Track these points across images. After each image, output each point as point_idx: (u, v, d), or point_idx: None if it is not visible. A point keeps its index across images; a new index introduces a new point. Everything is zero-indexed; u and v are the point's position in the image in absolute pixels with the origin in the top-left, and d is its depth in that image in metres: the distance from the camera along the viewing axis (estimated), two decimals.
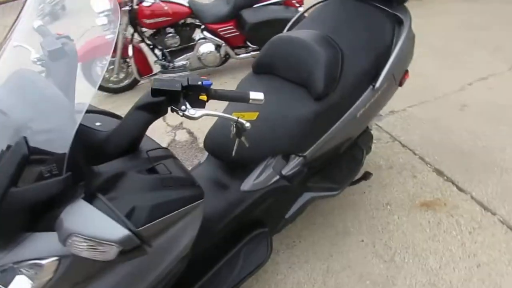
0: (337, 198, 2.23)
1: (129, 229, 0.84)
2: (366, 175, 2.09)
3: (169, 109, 1.14)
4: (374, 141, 2.60)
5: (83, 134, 1.10)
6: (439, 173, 2.32)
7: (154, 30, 3.92)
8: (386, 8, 1.89)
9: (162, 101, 1.12)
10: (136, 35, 3.92)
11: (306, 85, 1.69)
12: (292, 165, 1.71)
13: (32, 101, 1.05)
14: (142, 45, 4.06)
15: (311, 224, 2.14)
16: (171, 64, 4.02)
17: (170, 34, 3.92)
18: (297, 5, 3.95)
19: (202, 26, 3.97)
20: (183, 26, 3.96)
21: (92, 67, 3.97)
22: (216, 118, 1.67)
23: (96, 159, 1.09)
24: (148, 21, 3.77)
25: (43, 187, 0.90)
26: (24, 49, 1.27)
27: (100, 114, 1.33)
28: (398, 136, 2.70)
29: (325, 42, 1.73)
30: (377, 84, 1.76)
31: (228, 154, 1.59)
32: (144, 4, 3.68)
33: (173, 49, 4.01)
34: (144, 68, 4.08)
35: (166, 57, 4.03)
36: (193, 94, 1.12)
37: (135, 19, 3.75)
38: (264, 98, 1.20)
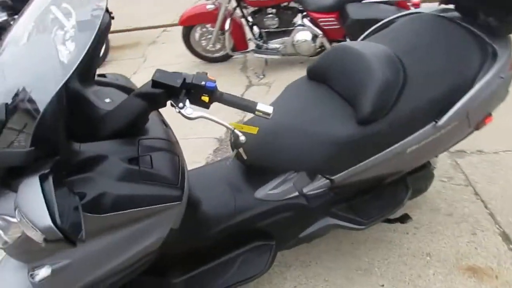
0: (374, 230, 2.00)
1: (54, 222, 0.80)
2: (404, 218, 1.81)
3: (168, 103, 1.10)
4: (444, 179, 2.29)
5: (85, 107, 1.10)
6: (506, 238, 1.93)
7: (256, 8, 3.88)
8: (483, 36, 1.56)
9: (161, 94, 1.07)
10: (237, 10, 3.92)
11: (353, 105, 1.49)
12: (316, 186, 1.55)
13: (31, 64, 1.05)
14: (243, 21, 4.06)
15: (336, 250, 1.94)
16: (265, 45, 3.96)
17: (270, 15, 3.84)
18: (412, 7, 3.56)
19: (304, 13, 3.81)
20: (285, 9, 3.85)
21: (192, 32, 4.10)
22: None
23: (91, 137, 1.08)
24: None
25: (4, 155, 0.91)
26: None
27: (121, 91, 1.31)
28: (475, 181, 2.30)
29: (388, 62, 1.49)
30: (441, 122, 1.47)
31: (247, 158, 1.50)
32: None
33: (271, 30, 3.93)
34: (239, 43, 4.10)
35: (262, 37, 3.98)
36: (195, 93, 1.09)
37: None
38: (272, 113, 1.10)
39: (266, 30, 3.93)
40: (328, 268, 1.85)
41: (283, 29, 3.90)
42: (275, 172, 1.52)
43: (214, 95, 1.09)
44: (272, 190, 1.52)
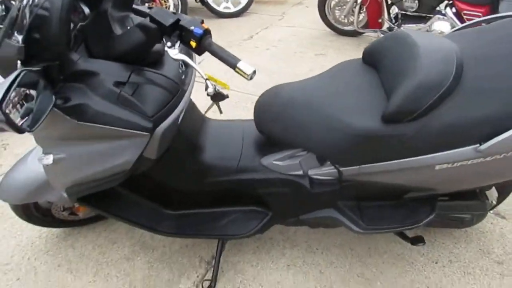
0: (400, 246, 1.84)
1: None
2: (416, 240, 1.60)
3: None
4: None
5: (102, 27, 1.25)
6: None
7: None
8: None
9: (154, 29, 1.15)
10: None
11: (388, 99, 1.35)
12: (323, 172, 1.49)
13: None
14: None
15: (349, 249, 1.85)
16: (397, 28, 3.67)
17: None
18: None
19: (450, 1, 3.38)
20: None
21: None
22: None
23: (100, 55, 1.24)
24: None
25: (4, 45, 1.09)
26: None
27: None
28: None
29: (442, 62, 1.28)
30: (485, 146, 1.24)
31: (260, 125, 1.52)
32: None
33: (409, 13, 3.61)
34: (373, 21, 3.89)
35: (398, 19, 3.69)
36: (185, 36, 1.14)
37: None
38: (252, 75, 1.11)
39: (403, 12, 3.63)
40: (329, 262, 1.78)
41: (422, 14, 3.53)
42: (286, 145, 1.50)
43: (202, 42, 1.11)
44: (278, 161, 1.51)
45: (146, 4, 4.14)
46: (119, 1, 1.29)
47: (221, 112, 1.44)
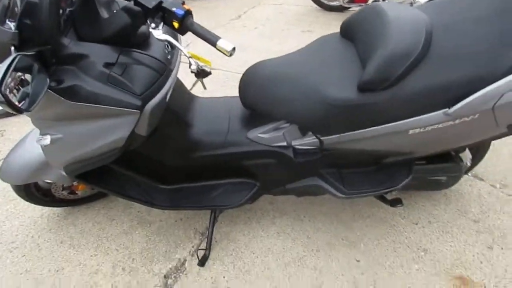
0: (383, 209, 1.96)
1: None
2: (395, 202, 1.71)
3: None
4: (496, 185, 2.07)
5: (89, 11, 1.31)
6: None
7: None
8: None
9: (138, 12, 1.22)
10: None
11: (364, 69, 1.44)
12: (306, 142, 1.58)
13: None
14: None
15: (335, 215, 1.95)
16: (381, 1, 3.71)
17: None
18: None
19: None
20: None
21: None
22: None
23: (90, 38, 1.31)
24: None
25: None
26: None
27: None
28: None
29: (411, 32, 1.36)
30: (453, 109, 1.34)
31: (244, 100, 1.60)
32: None
33: None
34: None
35: None
36: (168, 17, 1.22)
37: None
38: (231, 52, 1.18)
39: None
40: (316, 229, 1.89)
41: None
42: (270, 118, 1.59)
43: (184, 23, 1.19)
44: (263, 134, 1.60)
45: None
46: None
47: (205, 88, 1.52)
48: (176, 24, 1.20)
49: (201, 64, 1.27)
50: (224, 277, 1.71)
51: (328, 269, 1.72)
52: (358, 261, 1.75)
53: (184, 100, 1.69)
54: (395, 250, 1.78)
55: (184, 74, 1.69)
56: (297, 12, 4.45)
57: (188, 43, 3.71)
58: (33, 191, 1.81)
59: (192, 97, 1.78)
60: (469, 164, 1.82)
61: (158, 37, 1.23)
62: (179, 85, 1.67)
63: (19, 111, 1.06)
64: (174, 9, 1.19)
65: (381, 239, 1.83)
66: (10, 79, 1.04)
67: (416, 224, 1.89)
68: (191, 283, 1.69)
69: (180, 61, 1.51)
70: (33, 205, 1.88)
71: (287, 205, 2.02)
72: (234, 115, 1.71)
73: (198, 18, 4.37)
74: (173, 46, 1.52)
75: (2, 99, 1.00)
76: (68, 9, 1.31)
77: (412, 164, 1.64)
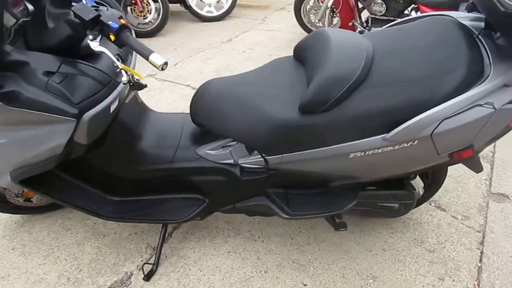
0: (339, 235, 1.94)
1: None
2: (339, 226, 1.70)
3: None
4: (458, 216, 2.05)
5: (38, 22, 1.36)
6: None
7: None
8: (487, 54, 1.33)
9: (78, 24, 1.27)
10: None
11: None
12: (252, 161, 1.58)
13: None
14: (354, 2, 3.92)
15: (289, 238, 1.93)
16: (367, 31, 3.78)
17: (379, 1, 3.62)
18: None
19: (416, 5, 3.49)
20: None
21: (305, 2, 4.16)
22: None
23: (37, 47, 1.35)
24: None
25: None
26: None
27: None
28: (491, 230, 1.95)
29: (351, 56, 1.39)
30: (390, 135, 1.35)
31: (194, 117, 1.62)
32: None
33: (377, 17, 3.73)
34: (345, 25, 4.01)
35: (368, 23, 3.80)
36: (105, 30, 1.27)
37: None
38: (162, 66, 1.22)
39: (373, 16, 3.74)
40: (268, 250, 1.88)
41: (390, 17, 3.65)
42: (218, 135, 1.60)
43: (120, 36, 1.24)
44: (211, 151, 1.61)
45: (128, 7, 4.24)
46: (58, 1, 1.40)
47: (140, 101, 1.53)
48: (112, 37, 1.25)
49: (135, 77, 1.30)
50: None
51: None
52: (305, 285, 1.72)
53: (136, 113, 1.71)
54: (343, 276, 1.75)
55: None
56: (287, 38, 4.54)
57: (177, 62, 3.79)
58: None
59: (146, 111, 1.80)
60: (421, 192, 1.81)
61: (94, 49, 1.26)
62: (133, 97, 1.69)
63: None
64: (110, 22, 1.23)
65: (331, 264, 1.81)
66: None
67: (370, 251, 1.87)
68: None
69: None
70: None
71: (243, 225, 2.01)
72: (187, 131, 1.73)
73: (191, 39, 4.48)
74: (126, 60, 1.56)
75: None
76: (22, 19, 1.36)
77: (359, 189, 1.64)
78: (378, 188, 1.69)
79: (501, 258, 1.82)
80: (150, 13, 4.53)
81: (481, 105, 1.31)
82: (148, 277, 1.73)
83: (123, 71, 1.27)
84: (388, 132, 1.35)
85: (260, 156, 1.54)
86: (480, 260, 1.82)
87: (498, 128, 1.39)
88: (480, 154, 2.44)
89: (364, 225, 1.98)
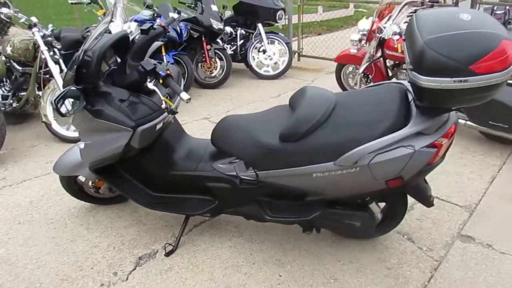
0: (320, 246, 2.45)
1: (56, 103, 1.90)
2: (305, 229, 2.23)
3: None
4: (423, 246, 2.46)
5: (120, 70, 2.19)
6: None
7: (395, 62, 4.28)
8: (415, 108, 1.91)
9: (143, 72, 2.05)
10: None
11: None
12: (248, 174, 2.21)
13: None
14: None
15: (279, 244, 2.48)
16: None
17: (403, 71, 4.18)
18: None
19: None
20: None
21: (345, 68, 4.83)
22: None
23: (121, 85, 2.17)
24: (389, 52, 4.19)
25: (66, 77, 2.07)
26: None
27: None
28: (447, 261, 2.35)
29: (319, 103, 2.02)
30: (336, 161, 1.92)
31: (213, 141, 2.32)
32: (393, 37, 4.09)
33: None
34: None
35: None
36: (158, 76, 2.02)
37: (382, 45, 4.24)
38: (188, 101, 1.93)
39: None
40: (260, 249, 2.43)
41: None
42: (227, 154, 2.27)
43: (165, 80, 1.99)
44: (221, 165, 2.27)
45: (199, 64, 5.19)
46: (135, 56, 2.23)
47: (180, 128, 2.28)
48: (161, 81, 2.00)
49: (171, 106, 2.03)
50: (178, 266, 2.31)
51: (255, 276, 2.24)
52: (280, 276, 2.25)
53: (176, 134, 2.46)
54: (312, 274, 2.26)
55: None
56: None
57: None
58: (72, 184, 2.63)
59: (184, 134, 2.54)
60: (379, 217, 2.28)
61: (149, 87, 2.02)
62: (175, 123, 2.45)
63: (62, 115, 1.90)
64: (160, 72, 1.99)
65: (305, 265, 2.32)
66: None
67: (339, 261, 2.36)
68: (154, 265, 2.32)
69: (178, 106, 2.29)
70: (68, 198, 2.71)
71: (247, 230, 2.60)
72: (209, 151, 2.42)
73: (246, 93, 5.31)
74: (172, 97, 2.33)
75: (56, 107, 1.85)
76: (113, 66, 2.19)
77: (324, 204, 2.18)
78: (344, 208, 2.22)
79: (447, 282, 2.21)
80: (216, 69, 5.49)
81: (404, 146, 1.86)
82: (168, 254, 2.38)
83: (163, 101, 2.01)
84: (337, 159, 1.93)
85: (253, 171, 2.17)
86: (429, 281, 2.22)
87: (420, 165, 1.90)
88: (464, 205, 2.87)
89: (341, 243, 2.47)
